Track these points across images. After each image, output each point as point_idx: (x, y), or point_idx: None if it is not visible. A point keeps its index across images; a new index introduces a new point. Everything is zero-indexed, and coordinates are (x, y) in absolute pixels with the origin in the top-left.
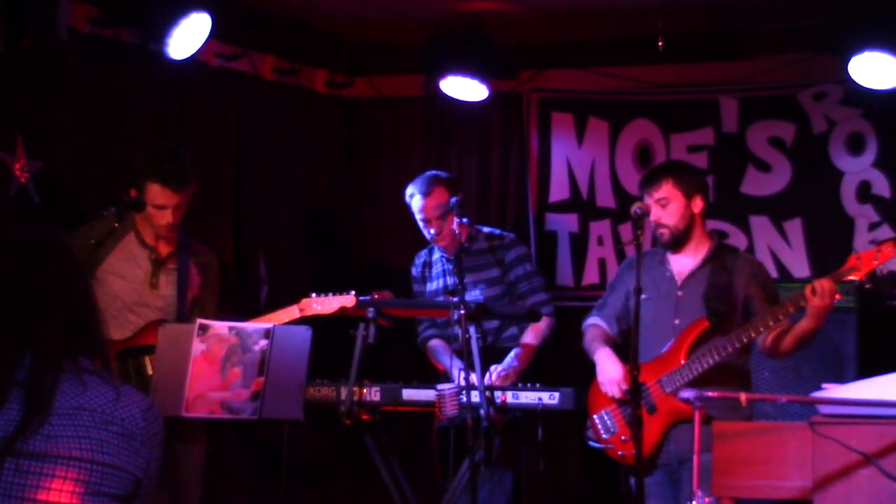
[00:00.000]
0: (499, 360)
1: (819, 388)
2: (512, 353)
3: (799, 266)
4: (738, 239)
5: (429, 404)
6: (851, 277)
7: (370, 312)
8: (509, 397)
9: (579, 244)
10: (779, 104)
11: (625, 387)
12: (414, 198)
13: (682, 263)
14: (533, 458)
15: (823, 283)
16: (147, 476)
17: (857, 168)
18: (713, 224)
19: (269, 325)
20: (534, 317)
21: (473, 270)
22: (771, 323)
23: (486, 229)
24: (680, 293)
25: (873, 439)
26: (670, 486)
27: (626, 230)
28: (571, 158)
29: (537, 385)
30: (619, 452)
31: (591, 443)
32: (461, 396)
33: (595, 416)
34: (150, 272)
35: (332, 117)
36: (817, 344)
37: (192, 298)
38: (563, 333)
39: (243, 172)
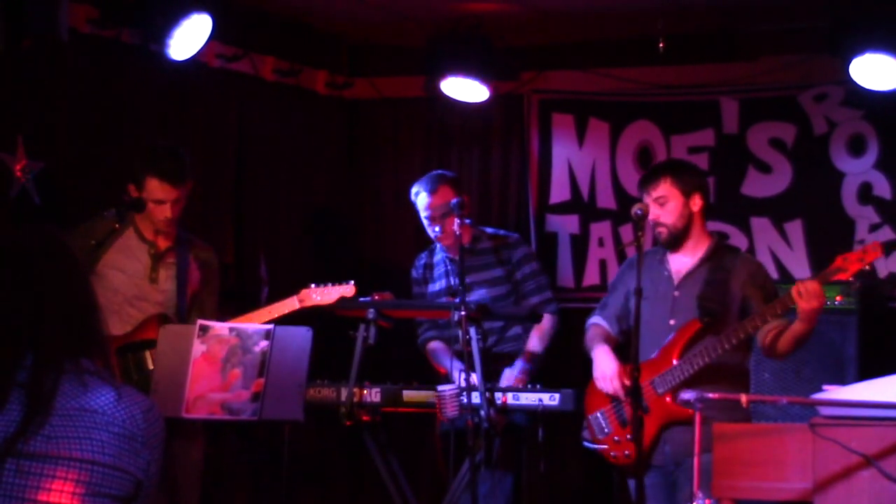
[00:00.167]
0: (502, 360)
1: (819, 390)
2: (519, 364)
3: (799, 267)
4: (738, 240)
5: (429, 405)
6: (838, 278)
7: (370, 313)
8: (509, 398)
9: (580, 245)
10: (779, 105)
11: (617, 383)
12: (419, 196)
13: (681, 263)
14: (533, 459)
15: (808, 286)
16: (147, 477)
17: (857, 169)
18: (714, 225)
19: (269, 327)
20: (535, 318)
21: (477, 270)
22: (759, 324)
23: (489, 230)
24: (676, 293)
25: (874, 441)
26: (665, 489)
27: (626, 231)
28: (572, 159)
29: (538, 386)
30: (612, 453)
31: (586, 443)
32: (461, 398)
33: (590, 417)
34: (149, 266)
35: (333, 118)
36: (818, 345)
37: (192, 293)
38: (564, 335)
39: (244, 173)
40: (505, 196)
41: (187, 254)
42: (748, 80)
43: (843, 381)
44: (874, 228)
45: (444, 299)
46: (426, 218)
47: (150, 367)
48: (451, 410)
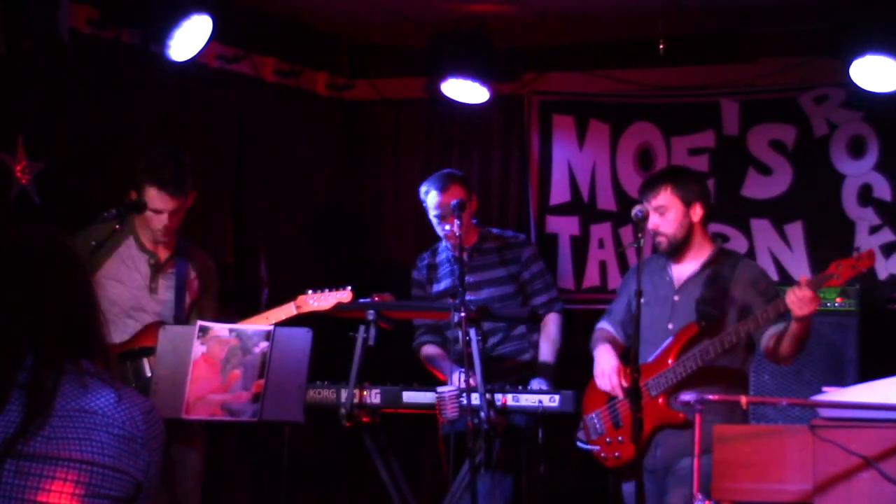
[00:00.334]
0: (507, 359)
1: (820, 392)
2: (537, 383)
3: (800, 269)
4: (738, 242)
5: (429, 407)
6: (830, 284)
7: (370, 315)
8: (509, 400)
9: (580, 247)
10: (780, 107)
11: (616, 380)
12: (430, 194)
13: (683, 269)
14: (533, 460)
15: (800, 293)
16: (147, 479)
17: (857, 171)
18: (714, 227)
19: (269, 328)
20: (535, 319)
21: (484, 269)
22: (752, 328)
23: (495, 230)
24: (676, 297)
25: (874, 443)
26: (656, 495)
27: (626, 233)
28: (572, 161)
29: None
30: (603, 454)
31: (580, 444)
32: (461, 399)
33: (586, 417)
34: (149, 277)
35: (333, 119)
36: (818, 347)
37: (191, 303)
38: (564, 336)
39: (244, 175)
40: (505, 197)
41: (186, 263)
42: (748, 81)
43: (843, 382)
44: (874, 230)
45: (449, 298)
46: (436, 216)
47: (148, 374)
48: (450, 412)
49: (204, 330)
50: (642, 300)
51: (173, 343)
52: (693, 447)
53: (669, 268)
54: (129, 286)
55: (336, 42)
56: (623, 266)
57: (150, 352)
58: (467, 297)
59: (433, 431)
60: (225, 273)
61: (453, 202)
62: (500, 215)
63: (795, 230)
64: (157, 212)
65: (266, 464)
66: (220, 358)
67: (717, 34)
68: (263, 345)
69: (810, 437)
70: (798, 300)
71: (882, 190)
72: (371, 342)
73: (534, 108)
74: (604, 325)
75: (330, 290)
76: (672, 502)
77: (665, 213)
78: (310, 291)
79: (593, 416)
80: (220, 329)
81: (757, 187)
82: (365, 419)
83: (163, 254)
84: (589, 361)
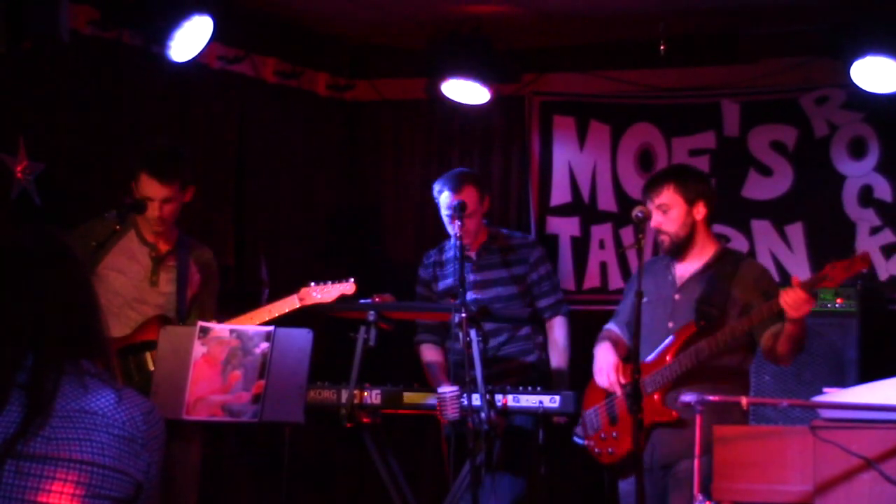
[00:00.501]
0: (513, 359)
1: (820, 393)
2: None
3: (800, 270)
4: (739, 243)
5: (430, 407)
6: (824, 286)
7: (371, 315)
8: (510, 400)
9: (581, 248)
10: (780, 108)
11: (613, 377)
12: (443, 193)
13: (685, 268)
14: (534, 461)
15: (792, 295)
16: (147, 479)
17: (858, 172)
18: (714, 228)
19: (269, 328)
20: (536, 319)
21: (493, 268)
22: (746, 327)
23: (505, 230)
24: (677, 297)
25: (874, 444)
26: (652, 494)
27: (627, 234)
28: (573, 162)
29: (538, 388)
30: (597, 450)
31: (576, 439)
32: (462, 399)
33: (585, 413)
34: (150, 269)
35: (334, 120)
36: (818, 348)
37: (192, 296)
38: (571, 339)
39: (244, 175)
40: (506, 198)
41: (187, 257)
42: (749, 82)
43: (843, 383)
44: (875, 231)
45: (450, 298)
46: (447, 216)
47: (152, 368)
48: (451, 412)
49: (205, 331)
50: (645, 299)
51: (174, 343)
52: (691, 448)
53: (673, 267)
54: (131, 277)
55: (337, 43)
56: (624, 267)
57: (152, 346)
58: (474, 296)
59: (434, 432)
60: (225, 274)
61: (454, 203)
62: (501, 216)
63: (796, 231)
64: (150, 200)
65: (266, 464)
66: (220, 359)
67: (717, 35)
68: (264, 345)
69: (811, 437)
70: (792, 302)
71: (883, 191)
72: (371, 343)
73: (534, 109)
74: (610, 326)
75: (333, 283)
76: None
77: (668, 212)
78: (312, 284)
79: (591, 411)
80: (221, 330)
81: (757, 188)
82: (365, 420)
83: (163, 247)
84: (590, 362)
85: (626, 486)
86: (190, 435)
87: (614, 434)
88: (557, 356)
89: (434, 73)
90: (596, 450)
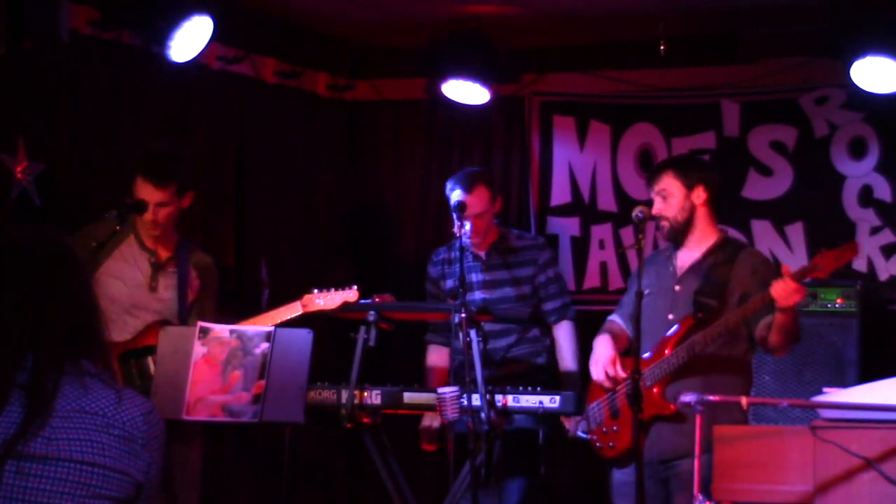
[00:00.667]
0: (522, 361)
1: (820, 393)
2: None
3: None
4: None
5: (430, 408)
6: (815, 276)
7: (371, 315)
8: (510, 400)
9: (581, 248)
10: (780, 108)
11: (611, 371)
12: (454, 192)
13: (686, 258)
14: (534, 461)
15: (782, 285)
16: (148, 479)
17: (858, 172)
18: None
19: (270, 329)
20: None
21: (501, 269)
22: (739, 318)
23: (515, 231)
24: (677, 288)
25: (874, 443)
26: (649, 486)
27: (627, 234)
28: (573, 162)
29: (538, 388)
30: (598, 444)
31: (580, 433)
32: (462, 400)
33: (588, 407)
34: (149, 275)
35: (334, 120)
36: (818, 348)
37: (192, 301)
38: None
39: (245, 176)
40: (506, 198)
41: (187, 262)
42: (749, 82)
43: (843, 383)
44: (875, 231)
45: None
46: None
47: (153, 372)
48: (451, 412)
49: (205, 331)
50: (647, 291)
51: (174, 344)
52: (691, 444)
53: (674, 258)
54: (130, 284)
55: (337, 43)
56: (624, 266)
57: (154, 350)
58: (482, 296)
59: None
60: (225, 275)
61: (453, 203)
62: (501, 216)
63: (796, 231)
64: (145, 202)
65: (266, 465)
66: (220, 359)
67: (717, 35)
68: (264, 346)
69: (811, 437)
70: (782, 291)
71: (883, 191)
72: (372, 343)
73: (534, 109)
74: (613, 318)
75: (336, 290)
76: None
77: (667, 198)
78: (315, 290)
79: (594, 405)
80: (221, 330)
81: (757, 188)
82: (365, 420)
83: (163, 252)
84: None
85: (620, 475)
86: (190, 435)
87: (615, 428)
88: (567, 359)
89: (434, 74)
90: (598, 444)
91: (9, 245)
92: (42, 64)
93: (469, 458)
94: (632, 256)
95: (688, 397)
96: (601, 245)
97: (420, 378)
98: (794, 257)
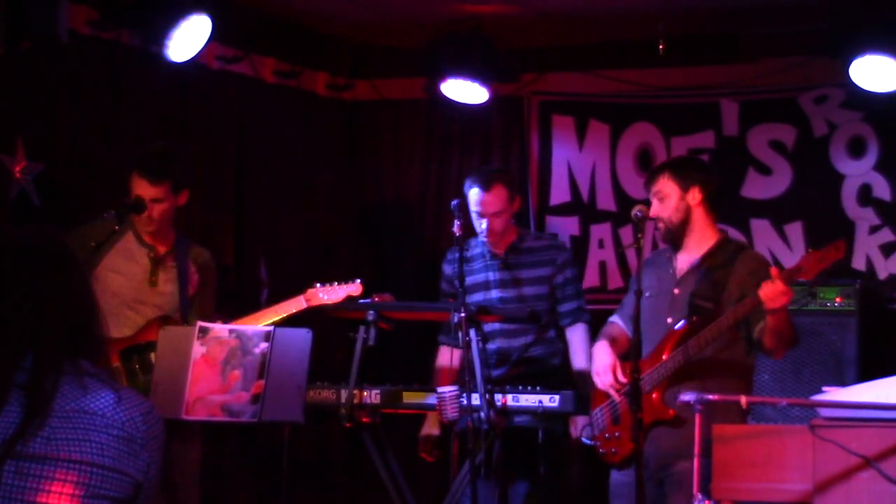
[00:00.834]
0: (538, 362)
1: (819, 392)
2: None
3: None
4: None
5: (429, 407)
6: (802, 278)
7: (370, 315)
8: (509, 400)
9: (580, 247)
10: (779, 107)
11: (608, 379)
12: (472, 190)
13: (685, 260)
14: (533, 461)
15: (770, 286)
16: (147, 479)
17: (857, 171)
18: None
19: (269, 328)
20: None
21: (519, 268)
22: (731, 322)
23: (534, 231)
24: (676, 291)
25: (874, 442)
26: (647, 490)
27: (626, 233)
28: (572, 161)
29: (538, 388)
30: (601, 450)
31: (585, 440)
32: (461, 399)
33: (592, 413)
34: (149, 270)
35: (333, 120)
36: (817, 347)
37: (192, 296)
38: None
39: (244, 175)
40: None
41: (186, 257)
42: (748, 81)
43: (842, 382)
44: (874, 230)
45: (481, 293)
46: (475, 212)
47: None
48: (451, 412)
49: (204, 331)
50: (647, 294)
51: (173, 343)
52: (688, 447)
53: (674, 260)
54: (130, 278)
55: (336, 42)
56: (623, 266)
57: (156, 346)
58: (499, 295)
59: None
60: (225, 274)
61: (452, 203)
62: None
63: (795, 230)
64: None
65: (266, 464)
66: (219, 359)
67: (717, 34)
68: (263, 345)
69: (810, 436)
70: (770, 293)
71: (882, 190)
72: (371, 342)
73: (533, 109)
74: (614, 319)
75: (340, 284)
76: None
77: (664, 200)
78: (318, 285)
79: (597, 411)
80: (220, 330)
81: (756, 187)
82: (365, 419)
83: (161, 248)
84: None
85: (618, 476)
86: (189, 435)
87: (617, 434)
88: (580, 361)
89: (433, 73)
90: (601, 450)
91: (8, 245)
92: (41, 64)
93: (469, 457)
94: (631, 256)
95: (687, 396)
96: (600, 244)
97: (419, 377)
98: (794, 256)
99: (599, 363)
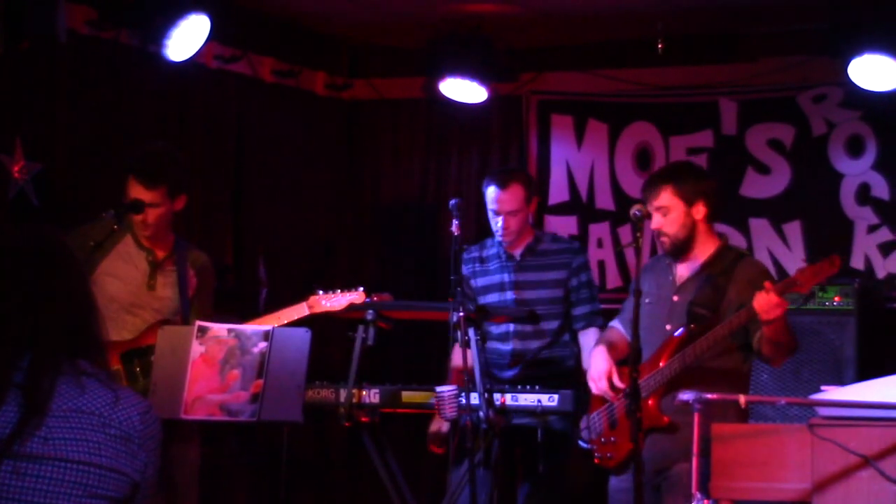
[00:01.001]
0: (554, 363)
1: (818, 391)
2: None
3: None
4: (737, 241)
5: (428, 406)
6: (796, 291)
7: (369, 314)
8: (508, 399)
9: None
10: (778, 106)
11: (603, 385)
12: (489, 188)
13: (685, 267)
14: (533, 460)
15: (764, 298)
16: (144, 479)
17: (856, 170)
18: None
19: (268, 328)
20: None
21: (535, 270)
22: (727, 332)
23: (551, 233)
24: (675, 298)
25: (872, 441)
26: (647, 491)
27: (625, 232)
28: (571, 161)
29: (536, 387)
30: (597, 454)
31: (581, 443)
32: (460, 398)
33: (589, 417)
34: (147, 273)
35: (332, 119)
36: (816, 346)
37: (191, 299)
38: None
39: (243, 175)
40: None
41: (185, 261)
42: (747, 81)
43: (841, 381)
44: (872, 229)
45: (496, 294)
46: (492, 211)
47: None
48: (449, 411)
49: (203, 330)
50: (647, 300)
51: (172, 343)
52: (683, 452)
53: (674, 267)
54: (128, 282)
55: (335, 42)
56: (622, 265)
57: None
58: (514, 296)
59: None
60: (224, 274)
61: (451, 202)
62: None
63: (794, 230)
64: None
65: (265, 464)
66: (218, 358)
67: (715, 34)
68: (262, 345)
69: (809, 436)
70: (764, 304)
71: (880, 189)
72: (370, 342)
73: (532, 108)
74: (614, 324)
75: (342, 291)
76: None
77: (667, 214)
78: (321, 292)
79: (595, 415)
80: (219, 329)
81: (755, 187)
82: (364, 419)
83: (160, 251)
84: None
85: (616, 482)
86: (188, 434)
87: (613, 439)
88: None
89: (432, 73)
90: (597, 454)
91: (6, 245)
92: (40, 63)
93: (468, 456)
94: (630, 255)
95: (686, 395)
96: (599, 244)
97: (418, 377)
98: (792, 255)
99: (595, 369)
